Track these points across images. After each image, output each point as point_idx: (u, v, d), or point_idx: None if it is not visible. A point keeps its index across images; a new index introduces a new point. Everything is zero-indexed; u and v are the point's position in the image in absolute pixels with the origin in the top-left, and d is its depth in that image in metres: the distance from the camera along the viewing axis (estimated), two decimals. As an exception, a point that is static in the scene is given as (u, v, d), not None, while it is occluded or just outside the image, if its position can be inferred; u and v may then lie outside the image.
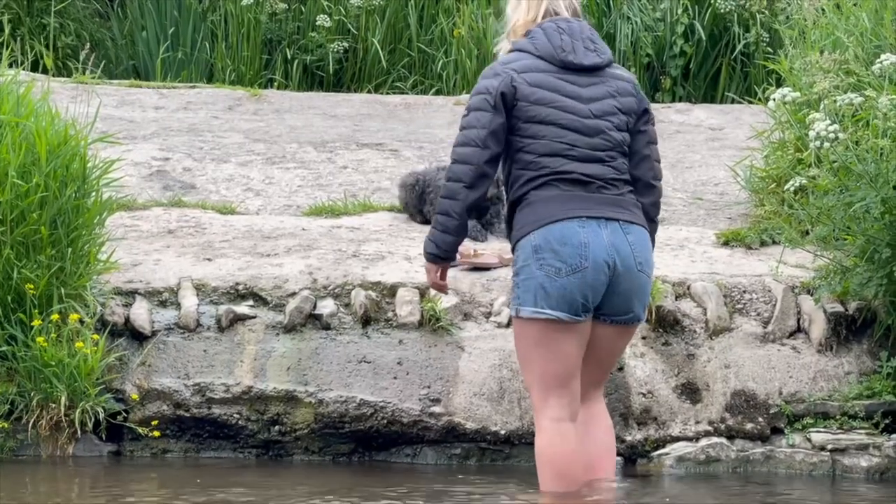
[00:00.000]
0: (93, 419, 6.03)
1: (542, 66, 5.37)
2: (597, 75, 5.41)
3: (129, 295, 6.42)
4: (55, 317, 6.09)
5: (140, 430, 6.10)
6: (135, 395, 6.12)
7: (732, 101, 10.28)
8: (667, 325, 6.35)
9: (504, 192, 6.98)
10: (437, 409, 6.14)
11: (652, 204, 5.47)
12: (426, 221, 7.39)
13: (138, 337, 6.28)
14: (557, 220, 5.26)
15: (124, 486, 5.76)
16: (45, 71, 10.06)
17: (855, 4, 7.70)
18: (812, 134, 6.13)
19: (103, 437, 6.10)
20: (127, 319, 6.30)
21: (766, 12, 10.15)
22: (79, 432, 6.02)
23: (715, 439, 6.12)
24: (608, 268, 5.26)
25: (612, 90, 5.42)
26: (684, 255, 6.81)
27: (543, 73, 5.37)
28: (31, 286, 6.11)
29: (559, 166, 5.31)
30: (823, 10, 7.83)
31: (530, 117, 5.34)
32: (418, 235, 7.17)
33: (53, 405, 6.02)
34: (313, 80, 11.16)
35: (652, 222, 5.49)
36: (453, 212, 5.37)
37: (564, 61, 5.37)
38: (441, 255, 5.47)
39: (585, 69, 5.39)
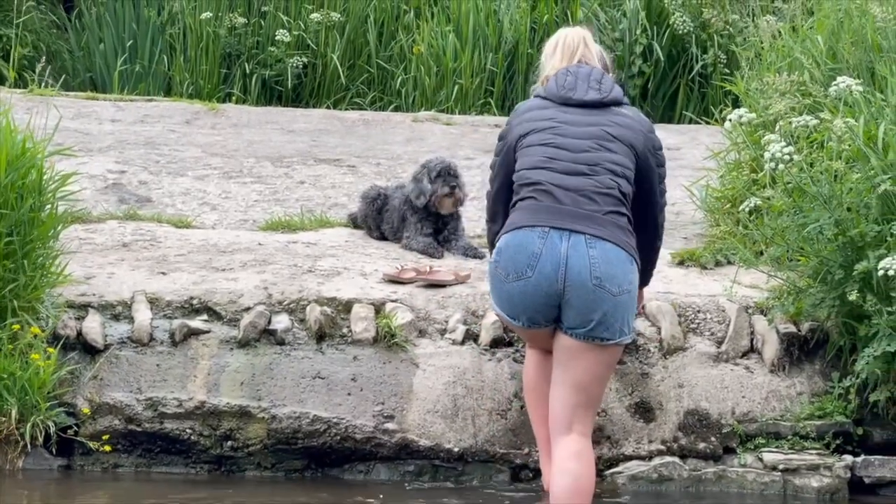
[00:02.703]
0: (43, 433, 5.98)
1: (545, 104, 5.81)
2: (598, 111, 5.77)
3: (82, 308, 6.38)
4: (15, 327, 6.04)
5: (91, 444, 6.05)
6: (86, 410, 6.08)
7: (690, 122, 10.33)
8: (621, 343, 6.36)
9: (460, 211, 7.09)
10: (390, 425, 6.13)
11: (651, 241, 5.87)
12: (383, 237, 7.39)
13: (90, 350, 6.24)
14: (522, 227, 5.59)
15: (72, 500, 5.72)
16: (0, 82, 10.01)
17: (811, 28, 7.76)
18: (767, 155, 6.16)
19: (53, 451, 6.06)
20: (79, 333, 6.26)
21: (729, 30, 10.21)
22: (29, 446, 5.97)
23: (668, 458, 6.14)
24: (555, 281, 5.48)
25: (611, 122, 5.73)
26: (639, 274, 6.82)
27: (543, 109, 5.80)
28: (-16, 298, 6.07)
29: (539, 177, 5.62)
30: (780, 32, 7.88)
31: (524, 145, 5.74)
32: (375, 251, 7.17)
33: (3, 418, 5.97)
34: (272, 94, 11.15)
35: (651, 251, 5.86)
36: (489, 242, 5.96)
37: (564, 97, 5.78)
38: None
39: (585, 104, 5.77)
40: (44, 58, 9.60)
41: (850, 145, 6.28)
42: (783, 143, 6.15)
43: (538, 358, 5.83)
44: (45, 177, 6.39)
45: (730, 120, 6.50)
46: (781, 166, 6.12)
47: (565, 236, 5.50)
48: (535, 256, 5.50)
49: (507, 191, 5.82)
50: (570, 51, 5.91)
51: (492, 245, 5.88)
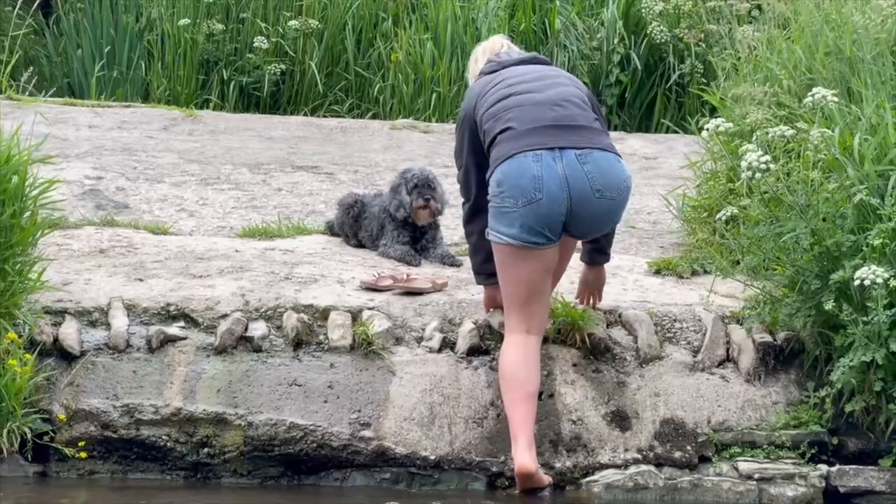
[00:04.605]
0: (19, 439, 5.96)
1: (489, 75, 6.24)
2: (537, 65, 6.30)
3: (59, 314, 6.36)
4: (-10, 334, 6.04)
5: (67, 450, 6.03)
6: (62, 416, 6.06)
7: (667, 131, 10.37)
8: (598, 352, 6.38)
9: (439, 220, 7.11)
10: (367, 433, 6.13)
11: None
12: (360, 245, 7.39)
13: (67, 357, 6.23)
14: (514, 155, 5.93)
15: (48, 507, 5.72)
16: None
17: (788, 38, 7.79)
18: (744, 164, 6.19)
19: (29, 457, 6.03)
20: (56, 339, 6.24)
21: (703, 44, 10.25)
22: (4, 453, 5.95)
23: (643, 467, 6.14)
24: (563, 200, 5.86)
25: (556, 71, 6.29)
26: (616, 283, 6.85)
27: (489, 77, 6.22)
28: (-38, 304, 6.04)
29: (508, 104, 6.03)
30: (756, 44, 7.92)
31: (482, 98, 6.11)
32: (351, 259, 7.17)
33: (-22, 425, 5.94)
34: (249, 101, 11.15)
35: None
36: (464, 221, 6.37)
37: (503, 63, 6.28)
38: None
39: (523, 61, 6.29)
40: (31, 68, 9.56)
41: (825, 155, 6.31)
42: (760, 153, 6.18)
43: (518, 342, 5.97)
44: (26, 183, 6.38)
45: (707, 129, 6.53)
46: (759, 175, 6.14)
47: (557, 156, 5.88)
48: (538, 179, 5.85)
49: (475, 160, 6.13)
50: (494, 51, 6.40)
51: (467, 222, 6.27)
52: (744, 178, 6.24)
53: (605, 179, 5.92)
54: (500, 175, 5.92)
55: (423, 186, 7.13)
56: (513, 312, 6.01)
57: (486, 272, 6.26)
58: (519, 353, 5.96)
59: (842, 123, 6.48)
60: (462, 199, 6.34)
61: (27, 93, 9.20)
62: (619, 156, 6.06)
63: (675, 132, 9.99)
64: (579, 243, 6.38)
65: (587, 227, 6.03)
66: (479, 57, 6.44)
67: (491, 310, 6.41)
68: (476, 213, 6.18)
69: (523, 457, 5.79)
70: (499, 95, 6.10)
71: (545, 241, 5.93)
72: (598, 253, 6.38)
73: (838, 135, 6.40)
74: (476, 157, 6.15)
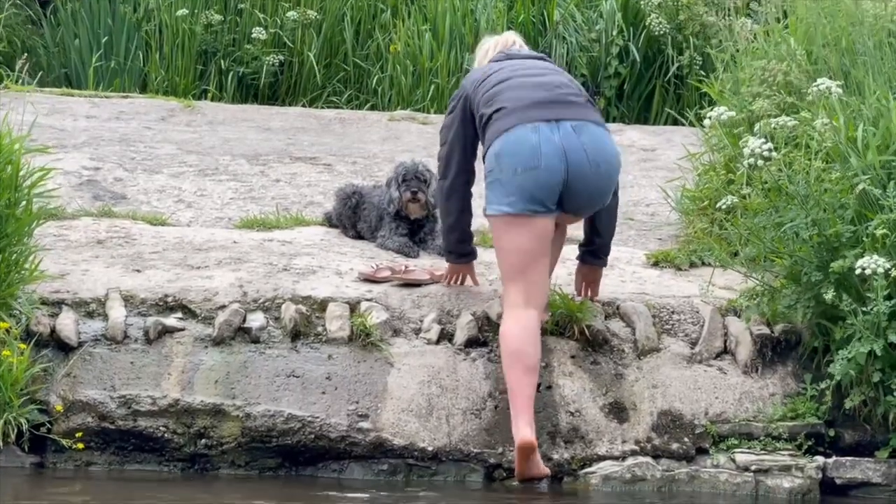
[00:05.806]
0: (16, 430, 5.95)
1: (491, 64, 6.35)
2: (539, 61, 6.39)
3: (56, 305, 6.36)
4: (-15, 325, 6.03)
5: (64, 442, 6.03)
6: (59, 407, 6.06)
7: (667, 119, 10.36)
8: (596, 344, 6.38)
9: (437, 213, 7.13)
10: (364, 424, 6.13)
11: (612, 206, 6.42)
12: (358, 236, 7.38)
13: (64, 348, 6.22)
14: (511, 128, 6.02)
15: (44, 498, 5.70)
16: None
17: (785, 27, 7.78)
18: (746, 151, 6.17)
19: (26, 448, 6.03)
20: (53, 330, 6.24)
21: (704, 31, 10.24)
22: (1, 443, 5.95)
23: (641, 459, 6.15)
24: (561, 171, 5.93)
25: (553, 66, 6.40)
26: (614, 275, 6.85)
27: (491, 66, 6.33)
28: (-42, 295, 6.04)
29: (504, 86, 6.14)
30: (755, 36, 7.91)
31: (481, 83, 6.19)
32: (350, 250, 7.17)
33: (-25, 416, 5.94)
34: (248, 92, 11.13)
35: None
36: (439, 201, 6.53)
37: (507, 55, 6.40)
38: None
39: (527, 56, 6.42)
40: (25, 55, 9.55)
41: (829, 144, 6.30)
42: (762, 140, 6.17)
43: (518, 315, 5.98)
44: (20, 173, 6.37)
45: (709, 118, 6.51)
46: (761, 162, 6.13)
47: (553, 127, 5.99)
48: (537, 148, 5.95)
49: (462, 141, 6.22)
50: (506, 45, 6.50)
51: (445, 200, 6.34)
52: (746, 165, 6.22)
53: (600, 151, 6.04)
54: (497, 147, 6.03)
55: (413, 179, 7.12)
56: (511, 285, 6.03)
57: (458, 251, 6.46)
58: (518, 325, 5.97)
59: (843, 114, 6.46)
60: (438, 176, 6.43)
61: (20, 81, 9.18)
62: (609, 132, 6.18)
63: (674, 124, 9.97)
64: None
65: (583, 201, 6.09)
66: (490, 48, 6.53)
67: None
68: (453, 192, 6.33)
69: (524, 430, 5.80)
70: (496, 80, 6.20)
71: (543, 209, 5.98)
72: (591, 255, 6.47)
73: (842, 125, 6.39)
74: (463, 139, 6.27)
